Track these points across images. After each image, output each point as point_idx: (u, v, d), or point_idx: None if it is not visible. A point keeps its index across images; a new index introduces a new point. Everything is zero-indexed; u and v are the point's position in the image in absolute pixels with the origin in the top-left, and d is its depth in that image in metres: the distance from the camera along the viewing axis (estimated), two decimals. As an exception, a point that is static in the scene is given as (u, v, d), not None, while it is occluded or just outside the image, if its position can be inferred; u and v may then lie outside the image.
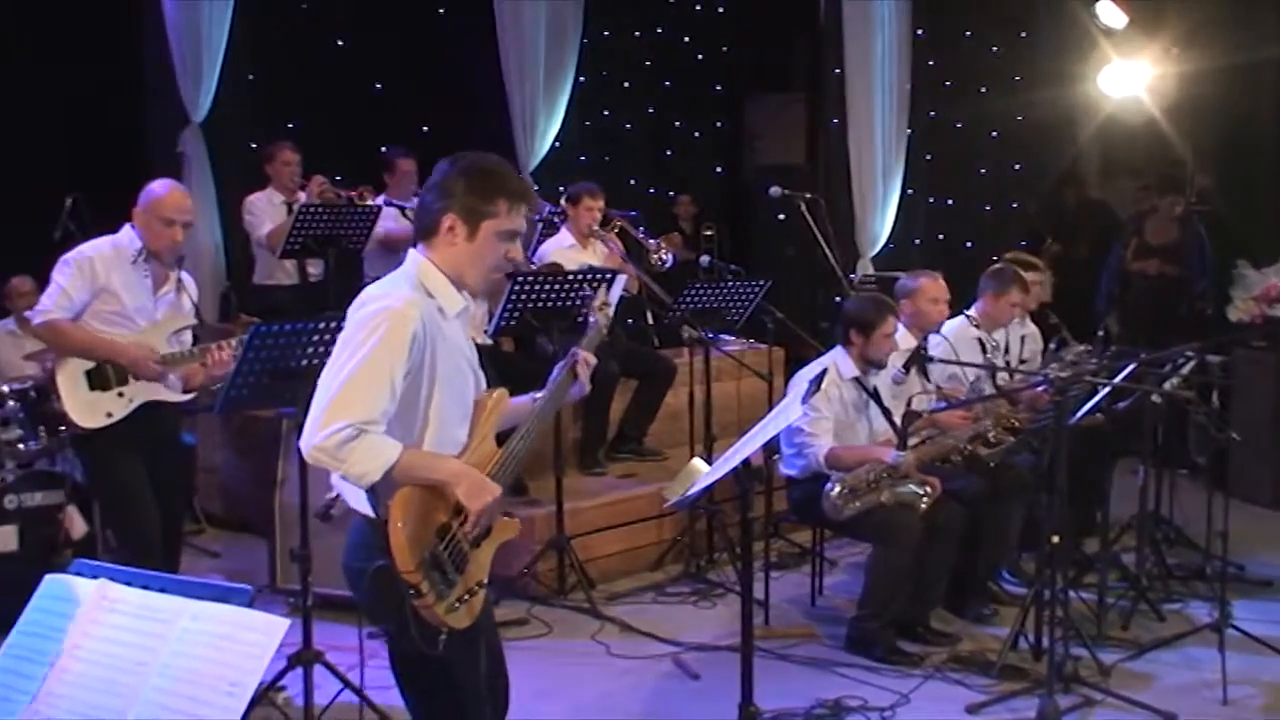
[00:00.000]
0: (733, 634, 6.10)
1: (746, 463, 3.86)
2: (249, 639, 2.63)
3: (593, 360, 3.85)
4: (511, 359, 7.57)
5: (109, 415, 5.50)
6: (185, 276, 5.79)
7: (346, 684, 5.16)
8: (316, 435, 3.30)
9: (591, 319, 3.99)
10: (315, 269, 8.63)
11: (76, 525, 6.36)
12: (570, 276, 6.79)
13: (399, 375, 3.35)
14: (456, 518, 3.44)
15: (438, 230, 3.51)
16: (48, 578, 2.98)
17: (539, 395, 3.79)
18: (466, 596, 3.43)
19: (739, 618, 3.99)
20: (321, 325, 4.94)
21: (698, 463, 4.03)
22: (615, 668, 5.98)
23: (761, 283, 7.52)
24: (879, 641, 5.97)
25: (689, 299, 7.26)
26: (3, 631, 2.95)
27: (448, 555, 3.39)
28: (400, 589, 3.29)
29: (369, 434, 3.30)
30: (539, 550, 6.82)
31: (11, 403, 6.36)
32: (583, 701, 5.58)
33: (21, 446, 6.39)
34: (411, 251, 3.58)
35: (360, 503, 3.43)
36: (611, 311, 4.33)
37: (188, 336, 5.72)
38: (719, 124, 13.46)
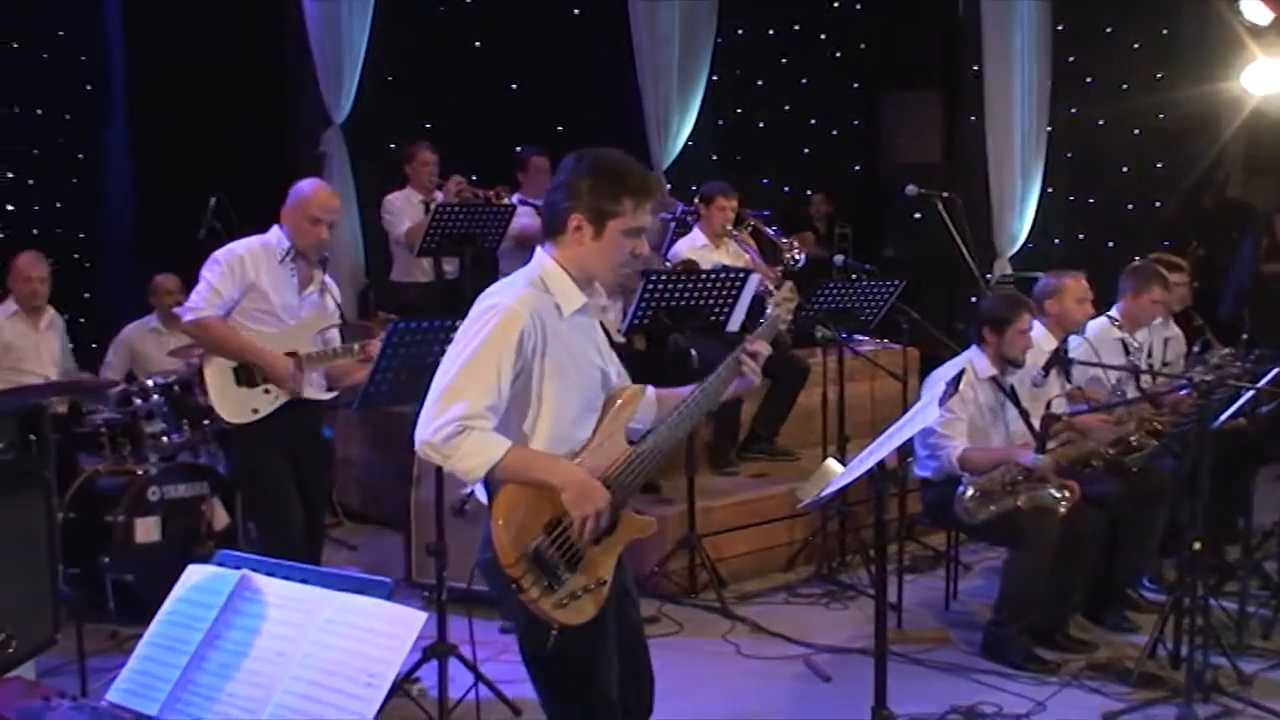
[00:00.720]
0: (864, 637, 6.06)
1: (881, 464, 3.82)
2: (387, 631, 2.66)
3: (765, 351, 3.77)
4: (643, 357, 7.58)
5: (255, 411, 5.62)
6: (328, 279, 5.89)
7: (479, 677, 5.22)
8: (425, 430, 3.34)
9: (769, 310, 3.92)
10: (450, 267, 8.75)
11: (219, 517, 6.52)
12: (704, 275, 6.78)
13: (507, 371, 3.37)
14: (567, 515, 3.42)
15: (565, 230, 3.52)
16: (191, 568, 3.05)
17: (698, 387, 3.72)
18: (582, 593, 3.41)
19: (871, 620, 3.95)
20: (458, 323, 4.99)
21: (832, 463, 3.98)
22: (745, 668, 5.96)
23: (896, 283, 7.43)
24: (1015, 647, 5.86)
25: (823, 299, 7.20)
26: (147, 620, 3.03)
27: (557, 551, 3.38)
28: (508, 582, 3.32)
29: (476, 430, 3.31)
30: (670, 549, 6.83)
31: (156, 397, 6.55)
32: (712, 701, 5.57)
33: (165, 440, 6.57)
34: (539, 250, 3.59)
35: (486, 496, 3.47)
36: (787, 313, 4.24)
37: (333, 334, 5.83)
38: (854, 121, 13.36)
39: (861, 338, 8.07)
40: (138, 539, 6.30)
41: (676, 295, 6.54)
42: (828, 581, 7.10)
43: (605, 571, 3.50)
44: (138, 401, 6.56)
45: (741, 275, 6.72)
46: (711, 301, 6.60)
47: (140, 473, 6.42)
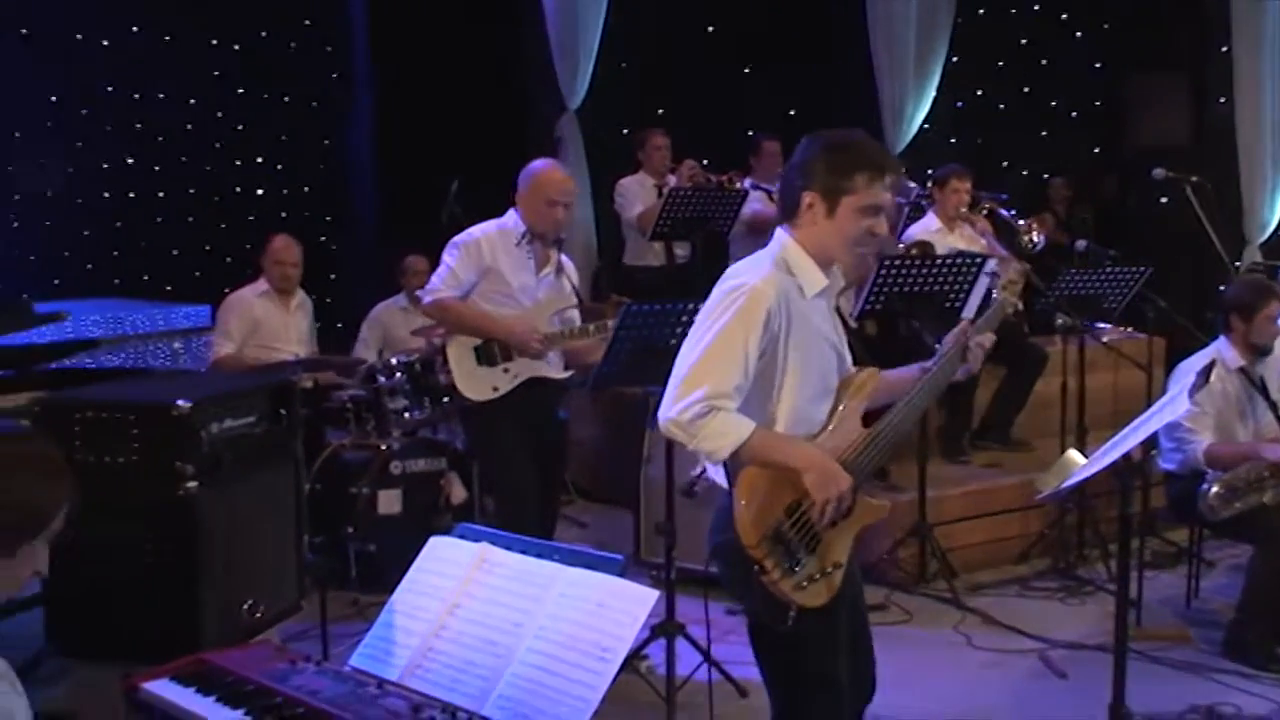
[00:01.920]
0: (1101, 633, 5.88)
1: (1127, 457, 3.70)
2: (620, 607, 2.71)
3: (989, 341, 3.69)
4: (875, 343, 7.50)
5: (495, 389, 5.75)
6: (565, 260, 5.99)
7: (706, 657, 5.24)
8: (672, 408, 3.34)
9: (995, 295, 3.83)
10: (682, 251, 8.80)
11: (456, 491, 6.70)
12: (939, 260, 6.67)
13: (753, 351, 3.34)
14: (807, 497, 3.39)
15: (799, 209, 3.48)
16: (433, 539, 3.15)
17: (926, 365, 3.67)
18: (819, 575, 3.38)
19: (1108, 616, 3.86)
20: (690, 306, 5.01)
21: (1074, 454, 3.89)
22: (977, 660, 5.85)
23: (1142, 269, 7.19)
24: (1257, 648, 5.63)
25: (1064, 285, 7.02)
26: (387, 588, 3.13)
27: (796, 534, 3.36)
28: (748, 564, 3.30)
29: (721, 410, 3.30)
30: (900, 537, 6.75)
31: (399, 375, 6.75)
32: (942, 692, 5.49)
33: (407, 416, 6.76)
34: (778, 230, 3.57)
35: (720, 477, 3.47)
36: (1014, 296, 4.14)
37: (572, 315, 5.92)
38: (1096, 103, 12.94)
39: (1104, 326, 7.84)
40: (380, 510, 6.50)
41: (910, 280, 6.44)
42: (1064, 576, 6.92)
43: (841, 555, 3.46)
44: (381, 379, 6.76)
45: (978, 260, 6.58)
46: (946, 287, 6.48)
47: (383, 447, 6.63)
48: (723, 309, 3.38)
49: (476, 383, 5.77)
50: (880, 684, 5.49)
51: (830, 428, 3.52)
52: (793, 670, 3.54)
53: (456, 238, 5.83)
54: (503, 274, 5.75)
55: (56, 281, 9.52)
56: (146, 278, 10.03)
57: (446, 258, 5.79)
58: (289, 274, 7.39)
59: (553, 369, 5.88)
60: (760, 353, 3.37)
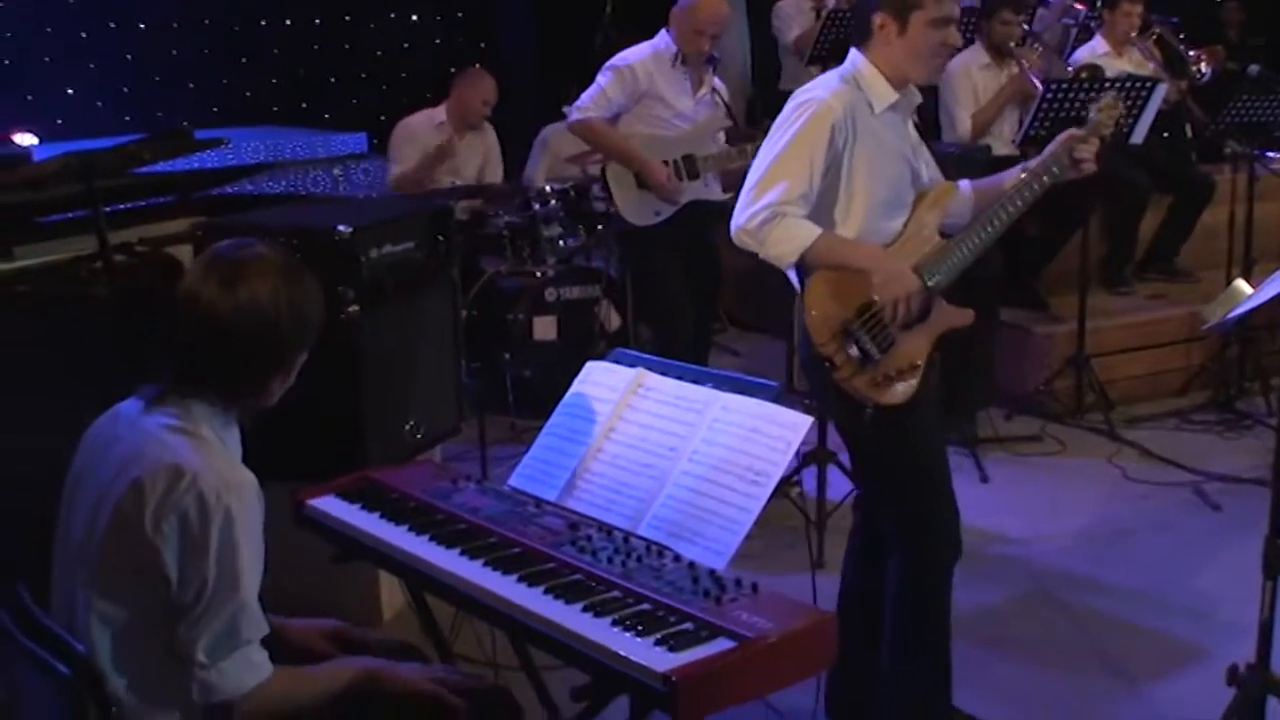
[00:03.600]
0: (1259, 467, 5.80)
1: (1295, 287, 3.59)
2: (774, 433, 2.73)
3: (1087, 149, 3.61)
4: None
5: (656, 214, 5.75)
6: (717, 81, 5.92)
7: (856, 485, 5.28)
8: (740, 217, 3.41)
9: (1091, 115, 3.77)
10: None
11: (611, 318, 6.76)
12: (1108, 84, 6.44)
13: (819, 161, 3.40)
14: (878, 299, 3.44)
15: (871, 30, 3.51)
16: (590, 364, 3.19)
17: (1028, 165, 3.65)
18: (894, 375, 3.41)
19: (1267, 451, 3.78)
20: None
21: (1242, 284, 3.76)
22: (1131, 492, 5.80)
23: (1317, 95, 6.88)
24: None
25: (1234, 112, 6.74)
26: (542, 413, 3.19)
27: (868, 333, 3.40)
28: (823, 365, 3.35)
29: (788, 216, 3.35)
30: (1058, 368, 6.66)
31: (553, 203, 6.77)
32: (1093, 523, 5.46)
33: (561, 244, 6.81)
34: (852, 51, 3.59)
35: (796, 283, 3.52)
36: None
37: (722, 137, 5.88)
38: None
39: (1274, 154, 7.53)
40: (536, 337, 6.60)
41: (1078, 105, 6.24)
42: (1223, 409, 6.78)
43: (919, 357, 3.49)
44: (536, 207, 6.80)
45: (1148, 84, 6.35)
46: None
47: (538, 275, 6.70)
48: (790, 123, 3.45)
49: (638, 207, 5.75)
50: (1032, 513, 5.54)
51: (904, 238, 3.57)
52: (883, 467, 3.60)
53: (612, 60, 5.79)
54: (663, 98, 5.71)
55: (215, 109, 9.67)
56: (304, 105, 10.14)
57: (600, 79, 5.76)
58: (481, 111, 7.27)
59: (711, 192, 5.85)
60: (826, 165, 3.42)
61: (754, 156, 3.55)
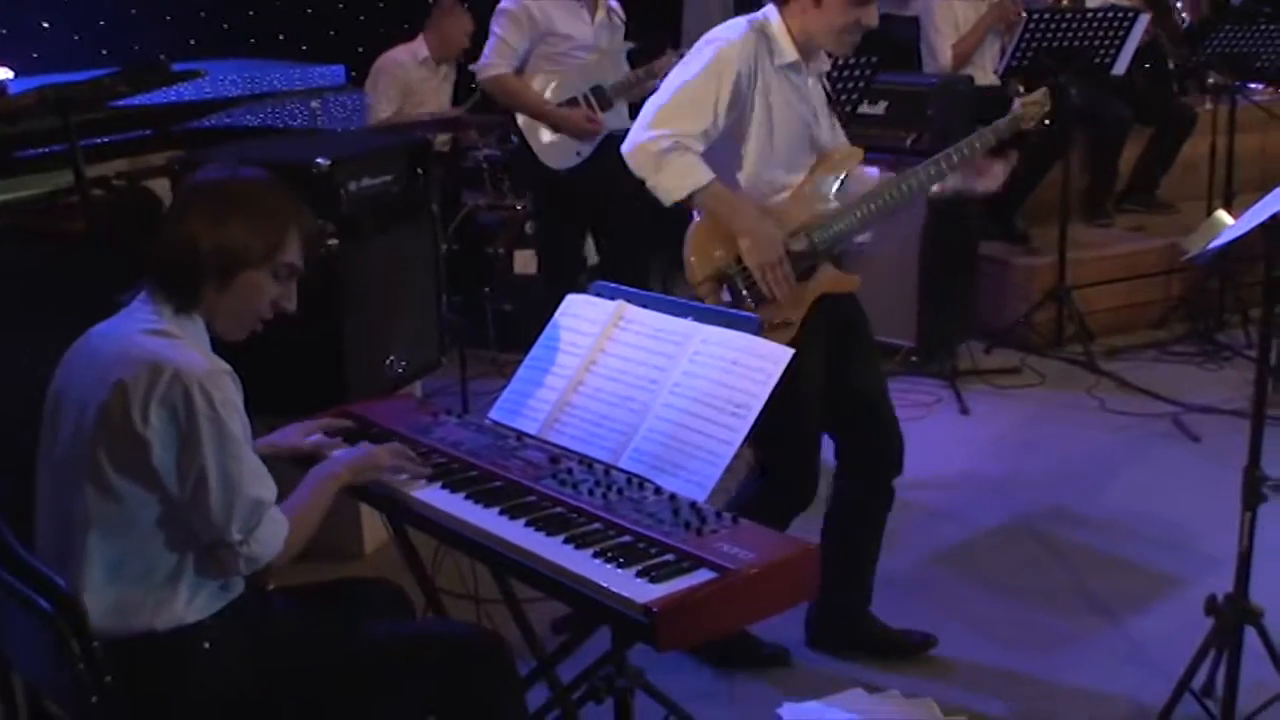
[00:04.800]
0: (1237, 398, 5.83)
1: (1275, 218, 3.58)
2: (754, 365, 2.72)
3: (1002, 168, 3.85)
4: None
5: (578, 154, 5.66)
6: (612, 2, 5.83)
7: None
8: (642, 133, 3.45)
9: (1015, 106, 3.89)
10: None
11: (591, 251, 6.70)
12: (1090, 14, 6.40)
13: (723, 101, 3.45)
14: None
15: None
16: (570, 297, 3.18)
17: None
18: (765, 326, 3.45)
19: (1246, 383, 3.81)
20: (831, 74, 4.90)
21: (1222, 215, 3.77)
22: (1110, 424, 5.83)
23: (1299, 25, 6.86)
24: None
25: (1216, 42, 6.72)
26: (523, 347, 3.19)
27: (743, 281, 3.51)
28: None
29: (689, 151, 3.42)
30: (1038, 300, 6.68)
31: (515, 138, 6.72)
32: (1072, 454, 5.49)
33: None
34: (768, 5, 3.62)
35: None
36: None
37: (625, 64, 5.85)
38: None
39: (1256, 86, 7.52)
40: (516, 270, 6.58)
41: (1060, 35, 6.22)
42: (1202, 341, 6.81)
43: (793, 315, 3.56)
44: (515, 140, 6.74)
45: (1130, 14, 6.32)
46: (1097, 42, 6.26)
47: (518, 208, 6.66)
48: (699, 60, 3.50)
49: (558, 151, 5.67)
50: (1012, 445, 5.56)
51: (794, 194, 3.64)
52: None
53: (502, 3, 5.62)
54: (559, 31, 5.58)
55: (192, 42, 9.56)
56: (281, 37, 10.03)
57: (495, 28, 5.62)
58: (464, 44, 7.24)
59: (624, 120, 5.66)
60: (729, 105, 3.47)
61: (661, 78, 3.63)
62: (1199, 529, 4.68)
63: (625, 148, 3.49)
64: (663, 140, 3.41)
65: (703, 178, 3.42)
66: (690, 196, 3.44)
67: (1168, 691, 3.38)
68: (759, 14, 3.60)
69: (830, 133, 3.74)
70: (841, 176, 3.69)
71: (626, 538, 2.46)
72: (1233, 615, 3.31)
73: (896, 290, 6.15)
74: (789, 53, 3.56)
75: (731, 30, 3.56)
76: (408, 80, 7.13)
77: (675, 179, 3.43)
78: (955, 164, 3.76)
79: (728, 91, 3.45)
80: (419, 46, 7.20)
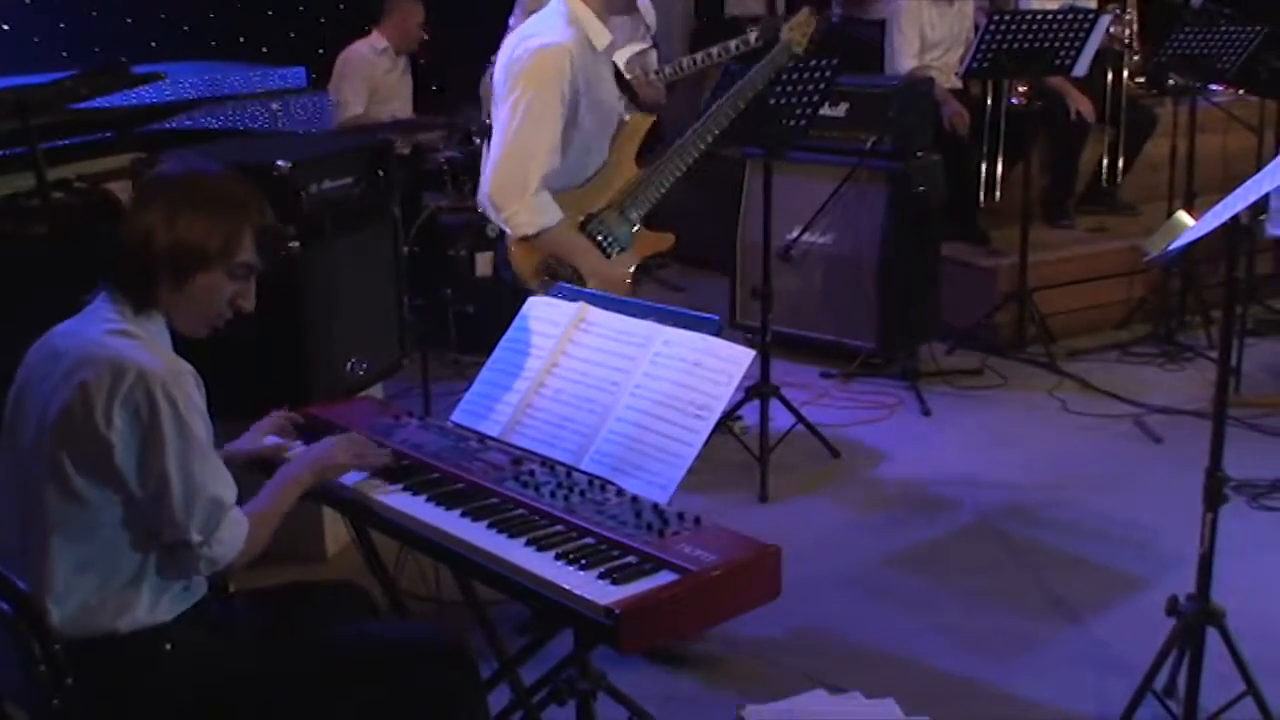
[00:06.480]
0: (1199, 399, 5.85)
1: (1235, 219, 3.61)
2: (716, 366, 2.72)
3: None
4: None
5: None
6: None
7: (799, 418, 5.31)
8: (502, 186, 3.71)
9: (782, 35, 3.99)
10: None
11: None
12: (1051, 16, 6.43)
13: (563, 111, 3.64)
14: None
15: None
16: (531, 299, 3.17)
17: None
18: None
19: (1207, 383, 3.83)
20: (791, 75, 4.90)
21: (1183, 216, 3.78)
22: (1072, 424, 5.85)
23: (1257, 29, 6.89)
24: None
25: (1176, 44, 6.76)
26: (485, 349, 3.18)
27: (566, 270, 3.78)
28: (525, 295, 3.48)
29: (541, 194, 3.66)
30: (999, 301, 6.70)
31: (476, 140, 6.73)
32: (1035, 455, 5.51)
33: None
34: None
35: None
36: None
37: (650, 55, 5.85)
38: None
39: (1216, 88, 7.57)
40: (478, 272, 6.55)
41: (1020, 36, 6.25)
42: (1163, 342, 6.84)
43: (622, 291, 3.76)
44: (477, 141, 6.74)
45: (1091, 15, 6.36)
46: (1058, 43, 6.30)
47: (480, 210, 6.62)
48: (535, 74, 3.61)
49: None
50: (974, 447, 5.58)
51: (610, 163, 3.84)
52: None
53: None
54: None
55: (152, 44, 9.49)
56: (242, 39, 9.98)
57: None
58: (420, 37, 7.36)
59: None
60: (565, 112, 3.65)
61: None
62: (1161, 529, 4.70)
63: (485, 193, 3.75)
64: (527, 191, 3.62)
65: (554, 218, 3.65)
66: (537, 235, 3.66)
67: (1129, 692, 3.39)
68: (561, 6, 3.70)
69: (620, 103, 3.92)
70: (638, 143, 3.88)
71: (589, 539, 2.45)
72: (1195, 616, 3.32)
73: (857, 291, 6.17)
74: (604, 34, 3.69)
75: (555, 32, 3.66)
76: (373, 74, 7.17)
77: (528, 223, 3.68)
78: (740, 107, 3.96)
79: (565, 101, 3.63)
80: (376, 40, 7.27)
